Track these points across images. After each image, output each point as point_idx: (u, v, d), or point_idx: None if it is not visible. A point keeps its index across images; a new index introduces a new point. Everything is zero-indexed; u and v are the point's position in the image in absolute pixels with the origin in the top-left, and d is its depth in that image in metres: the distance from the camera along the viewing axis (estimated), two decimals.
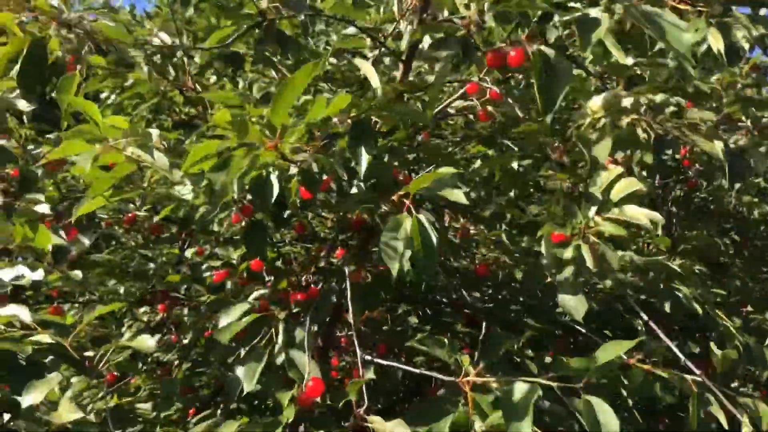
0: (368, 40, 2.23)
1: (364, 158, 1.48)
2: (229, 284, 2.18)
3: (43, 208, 1.62)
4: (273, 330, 1.75)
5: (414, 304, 2.34)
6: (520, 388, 1.25)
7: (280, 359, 1.70)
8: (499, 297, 2.13)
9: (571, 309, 1.44)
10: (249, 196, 1.76)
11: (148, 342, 1.49)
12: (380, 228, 2.09)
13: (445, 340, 1.49)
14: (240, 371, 1.65)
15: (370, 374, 1.42)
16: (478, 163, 2.02)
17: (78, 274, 1.80)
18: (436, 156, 1.89)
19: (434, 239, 1.31)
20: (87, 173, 1.76)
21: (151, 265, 2.37)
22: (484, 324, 1.84)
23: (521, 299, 2.11)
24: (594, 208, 1.45)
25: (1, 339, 1.44)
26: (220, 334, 1.74)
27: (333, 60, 2.76)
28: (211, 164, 1.58)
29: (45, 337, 1.45)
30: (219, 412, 2.02)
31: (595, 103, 1.49)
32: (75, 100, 1.58)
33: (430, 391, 2.19)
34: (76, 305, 2.16)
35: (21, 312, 1.57)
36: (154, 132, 1.61)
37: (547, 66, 1.24)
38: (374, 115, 1.56)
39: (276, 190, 1.66)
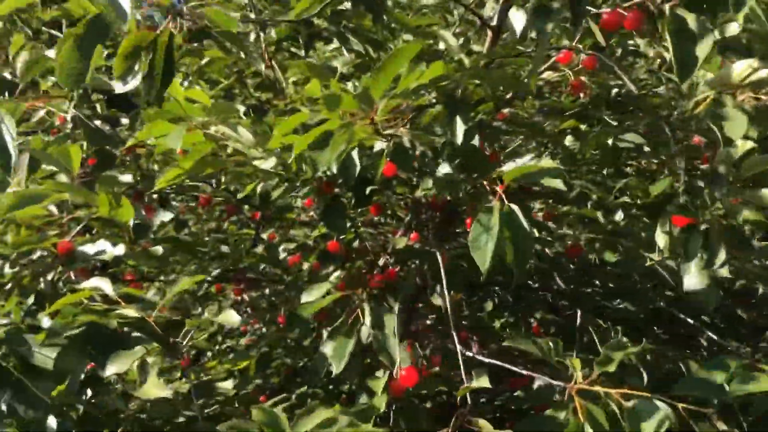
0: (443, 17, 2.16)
1: (460, 129, 1.39)
2: (305, 266, 2.14)
3: (127, 178, 1.59)
4: (359, 310, 1.67)
5: (492, 288, 2.25)
6: (649, 408, 1.14)
7: (365, 341, 1.63)
8: (585, 281, 2.01)
9: (701, 299, 1.31)
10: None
11: (233, 317, 1.44)
12: (462, 209, 2.03)
13: (550, 342, 1.38)
14: (328, 349, 1.59)
15: (484, 382, 1.32)
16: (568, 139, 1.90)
17: (158, 249, 1.77)
18: (527, 129, 1.78)
19: (528, 231, 1.22)
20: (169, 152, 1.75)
21: (224, 247, 2.34)
22: (579, 313, 1.73)
23: (610, 285, 1.99)
24: (723, 189, 1.31)
25: (87, 311, 1.41)
26: (302, 309, 1.70)
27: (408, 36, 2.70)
28: (294, 138, 1.53)
29: (130, 311, 1.42)
30: (294, 397, 1.97)
31: (736, 71, 1.33)
32: None
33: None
34: (155, 284, 2.14)
35: (104, 285, 1.55)
36: (240, 107, 1.57)
37: (682, 28, 1.13)
38: (468, 83, 1.47)
39: (358, 167, 1.60)
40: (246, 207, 2.41)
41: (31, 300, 1.74)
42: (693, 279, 1.31)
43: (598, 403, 1.25)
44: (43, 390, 1.38)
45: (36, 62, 1.54)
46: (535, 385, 1.51)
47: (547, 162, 1.21)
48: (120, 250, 1.71)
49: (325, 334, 1.74)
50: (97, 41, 1.14)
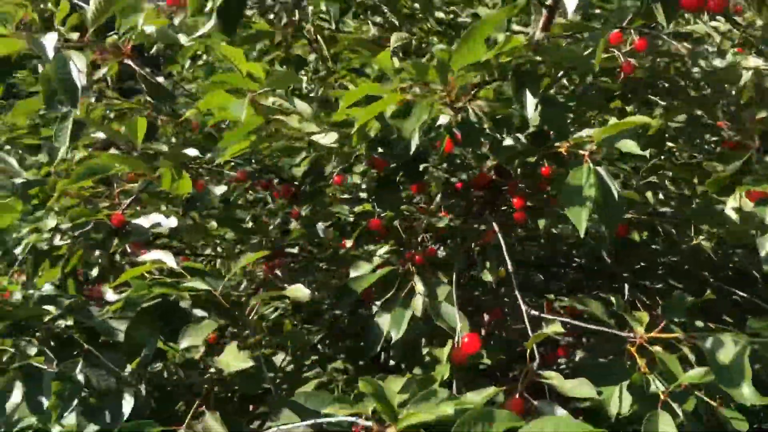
0: None
1: (531, 102, 1.40)
2: (349, 243, 2.14)
3: (193, 152, 1.59)
4: (411, 283, 1.68)
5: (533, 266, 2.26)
6: (727, 345, 1.16)
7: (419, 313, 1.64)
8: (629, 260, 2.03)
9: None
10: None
11: (303, 291, 1.45)
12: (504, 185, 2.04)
13: (612, 298, 1.40)
14: (384, 319, 1.60)
15: (558, 327, 1.33)
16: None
17: (214, 224, 1.77)
18: (590, 106, 1.79)
19: (616, 193, 1.23)
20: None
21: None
22: (626, 288, 1.75)
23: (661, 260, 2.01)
24: None
25: (160, 284, 1.41)
26: (354, 283, 1.70)
27: (440, 14, 2.68)
28: (357, 111, 1.53)
29: (200, 285, 1.42)
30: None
31: None
32: (224, 48, 1.53)
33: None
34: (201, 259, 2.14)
35: (167, 258, 1.54)
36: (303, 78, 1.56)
37: None
38: (532, 59, 1.47)
39: (416, 141, 1.60)
40: (276, 181, 2.40)
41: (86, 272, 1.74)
42: None
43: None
44: (113, 362, 1.39)
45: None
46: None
47: (635, 118, 1.21)
48: (173, 223, 1.71)
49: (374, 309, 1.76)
50: None
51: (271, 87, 1.61)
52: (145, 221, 1.70)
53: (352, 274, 1.76)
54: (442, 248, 2.14)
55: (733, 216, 1.36)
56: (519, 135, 1.53)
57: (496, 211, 2.13)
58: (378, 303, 1.73)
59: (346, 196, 2.32)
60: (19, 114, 2.05)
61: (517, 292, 1.49)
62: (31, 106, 2.08)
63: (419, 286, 1.67)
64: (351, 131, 1.60)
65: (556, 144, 1.40)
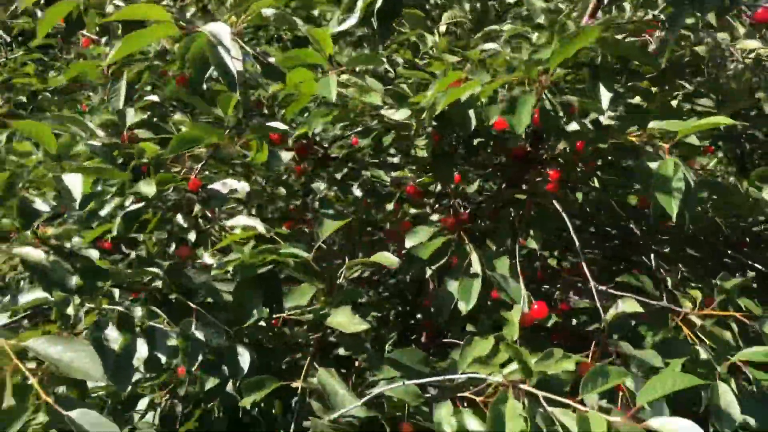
0: None
1: (605, 96, 1.55)
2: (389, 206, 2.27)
3: (280, 126, 1.68)
4: (470, 252, 1.83)
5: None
6: None
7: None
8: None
9: None
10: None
11: (391, 258, 1.58)
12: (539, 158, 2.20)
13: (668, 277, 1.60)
14: (452, 287, 1.74)
15: (634, 306, 1.50)
16: None
17: (282, 191, 1.88)
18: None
19: (693, 184, 1.40)
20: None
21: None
22: (652, 257, 1.94)
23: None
24: None
25: (263, 251, 1.53)
26: (416, 250, 1.82)
27: None
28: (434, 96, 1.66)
29: (297, 250, 1.54)
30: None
31: None
32: (310, 30, 1.61)
33: None
34: None
35: (255, 223, 1.66)
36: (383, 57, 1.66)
37: None
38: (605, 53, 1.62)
39: (474, 120, 1.75)
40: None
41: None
42: None
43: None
44: (222, 321, 1.51)
45: None
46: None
47: (719, 119, 1.37)
48: (246, 187, 1.80)
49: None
50: None
51: (352, 66, 1.71)
52: (220, 186, 1.79)
53: (409, 242, 1.88)
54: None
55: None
56: (585, 120, 1.68)
57: (528, 182, 2.30)
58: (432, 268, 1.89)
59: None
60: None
61: (585, 267, 1.66)
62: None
63: (474, 256, 1.82)
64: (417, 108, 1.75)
65: (629, 132, 1.56)
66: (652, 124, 1.49)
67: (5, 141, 2.45)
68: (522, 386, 1.14)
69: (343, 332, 1.44)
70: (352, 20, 1.35)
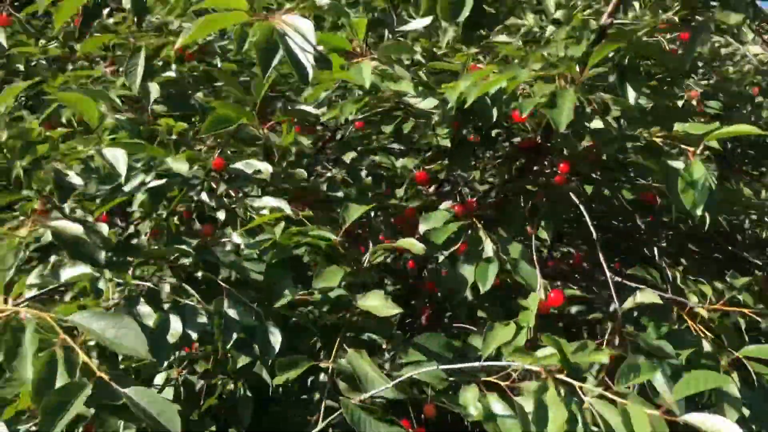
0: None
1: (632, 94, 1.60)
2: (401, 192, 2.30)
3: (313, 110, 1.70)
4: (484, 238, 1.87)
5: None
6: None
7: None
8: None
9: None
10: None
11: (417, 244, 1.62)
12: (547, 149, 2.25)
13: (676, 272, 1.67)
14: (466, 270, 1.78)
15: (652, 297, 1.57)
16: None
17: (303, 172, 1.90)
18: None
19: (715, 187, 1.46)
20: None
21: None
22: (656, 251, 2.01)
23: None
24: None
25: (295, 233, 1.56)
26: (431, 235, 1.85)
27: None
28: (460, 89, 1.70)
29: (325, 233, 1.57)
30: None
31: None
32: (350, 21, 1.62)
33: None
34: None
35: (283, 204, 1.68)
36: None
37: None
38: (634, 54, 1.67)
39: (496, 112, 1.79)
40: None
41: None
42: None
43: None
44: (251, 300, 1.53)
45: None
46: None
47: (747, 127, 1.43)
48: (268, 168, 1.82)
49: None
50: None
51: (384, 55, 1.73)
52: (244, 166, 1.81)
53: (423, 227, 1.91)
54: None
55: None
56: (609, 119, 1.73)
57: (536, 173, 2.36)
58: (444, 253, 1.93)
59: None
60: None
61: (602, 259, 1.72)
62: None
63: (488, 241, 1.87)
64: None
65: (653, 131, 1.61)
66: (678, 127, 1.54)
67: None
68: (559, 376, 1.19)
69: (370, 315, 1.48)
70: (426, 21, 1.37)
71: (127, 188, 1.71)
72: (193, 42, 2.41)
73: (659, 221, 2.31)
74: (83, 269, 1.35)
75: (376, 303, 1.46)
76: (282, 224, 1.58)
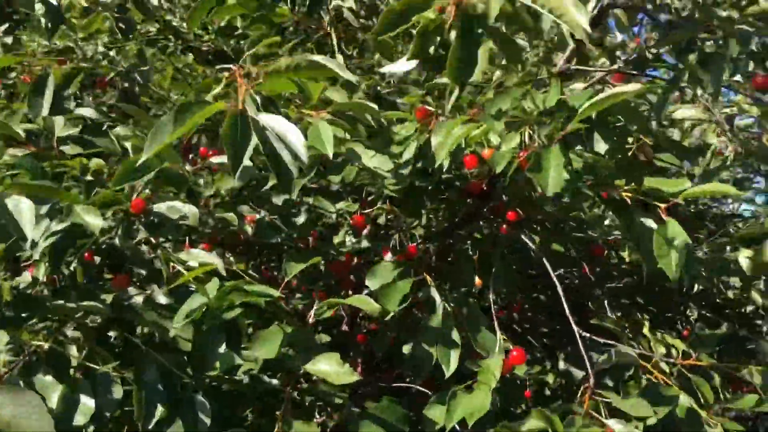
0: None
1: (602, 147, 1.52)
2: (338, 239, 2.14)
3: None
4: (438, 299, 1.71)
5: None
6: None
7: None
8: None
9: None
10: None
11: (371, 302, 1.45)
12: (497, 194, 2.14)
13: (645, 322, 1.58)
14: (426, 352, 1.61)
15: (629, 355, 1.45)
16: None
17: (233, 216, 1.71)
18: None
19: (690, 244, 1.37)
20: None
21: None
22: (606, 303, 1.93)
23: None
24: None
25: (231, 291, 1.35)
26: (383, 296, 1.66)
27: None
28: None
29: (268, 290, 1.38)
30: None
31: None
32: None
33: None
34: None
35: (215, 260, 1.47)
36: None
37: None
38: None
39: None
40: None
41: None
42: None
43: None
44: (174, 365, 1.31)
45: None
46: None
47: (725, 186, 1.35)
48: (194, 211, 1.61)
49: None
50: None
51: (340, 109, 1.58)
52: (166, 209, 1.59)
53: (369, 282, 1.74)
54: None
55: (744, 264, 1.57)
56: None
57: (482, 219, 2.24)
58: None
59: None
60: None
61: (568, 314, 1.60)
62: None
63: (437, 298, 1.72)
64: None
65: (619, 187, 1.52)
66: (647, 182, 1.46)
67: None
68: None
69: (318, 381, 1.30)
70: (410, 65, 1.23)
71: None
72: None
73: (606, 273, 2.24)
74: None
75: (330, 368, 1.27)
76: (215, 281, 1.37)
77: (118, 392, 1.25)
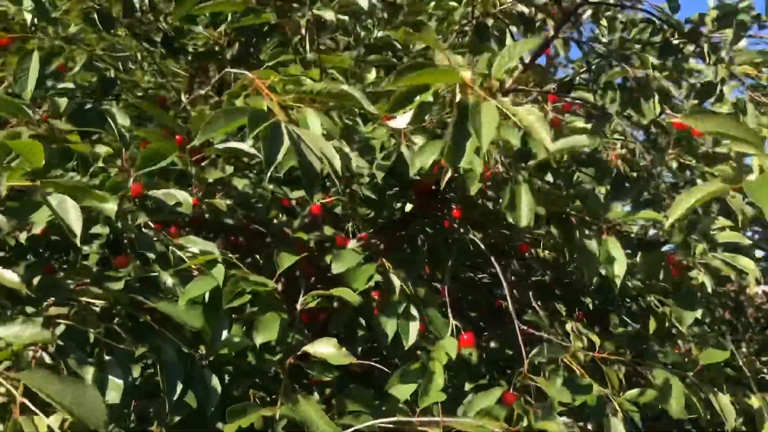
0: None
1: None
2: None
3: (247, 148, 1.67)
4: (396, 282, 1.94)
5: None
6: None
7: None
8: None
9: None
10: None
11: (353, 294, 1.66)
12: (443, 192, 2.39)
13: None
14: (388, 324, 1.83)
15: (557, 350, 1.75)
16: None
17: (223, 203, 1.86)
18: None
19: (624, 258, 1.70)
20: None
21: None
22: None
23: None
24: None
25: (238, 279, 1.52)
26: (348, 278, 1.85)
27: None
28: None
29: (265, 280, 1.56)
30: None
31: None
32: None
33: None
34: None
35: (212, 248, 1.63)
36: None
37: None
38: None
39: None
40: None
41: None
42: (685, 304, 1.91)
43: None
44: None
45: None
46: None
47: (653, 213, 1.68)
48: (188, 199, 1.73)
49: None
50: None
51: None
52: (164, 196, 1.71)
53: (335, 265, 1.93)
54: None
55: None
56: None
57: (426, 215, 2.48)
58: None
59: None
60: None
61: (511, 308, 1.88)
62: None
63: (395, 281, 1.95)
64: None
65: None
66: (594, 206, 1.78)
67: None
68: None
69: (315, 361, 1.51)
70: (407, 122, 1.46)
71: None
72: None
73: (528, 267, 2.57)
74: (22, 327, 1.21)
75: (330, 351, 1.48)
76: (220, 267, 1.54)
77: (136, 370, 1.40)
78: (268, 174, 1.23)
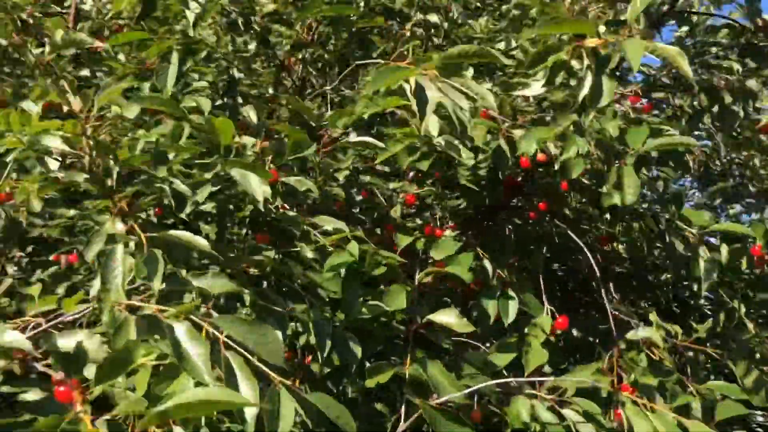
0: None
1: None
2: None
3: (375, 141, 1.88)
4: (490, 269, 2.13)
5: None
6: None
7: None
8: None
9: None
10: None
11: (465, 275, 1.85)
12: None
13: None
14: (489, 305, 2.02)
15: (651, 332, 1.93)
16: None
17: (341, 192, 2.06)
18: None
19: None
20: None
21: None
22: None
23: None
24: None
25: (374, 254, 1.72)
26: (455, 268, 1.99)
27: None
28: None
29: (394, 255, 1.76)
30: None
31: None
32: None
33: None
34: None
35: (342, 226, 1.83)
36: None
37: None
38: None
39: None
40: None
41: None
42: None
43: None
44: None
45: None
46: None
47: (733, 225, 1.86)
48: (311, 184, 1.94)
49: None
50: None
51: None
52: (297, 183, 1.91)
53: (435, 252, 2.06)
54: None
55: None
56: None
57: (512, 208, 2.66)
58: None
59: None
60: None
61: (603, 294, 2.05)
62: None
63: (490, 267, 2.13)
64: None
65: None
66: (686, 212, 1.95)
67: None
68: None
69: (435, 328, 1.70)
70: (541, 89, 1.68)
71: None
72: None
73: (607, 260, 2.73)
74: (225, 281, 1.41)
75: (452, 320, 1.68)
76: (354, 244, 1.73)
77: (288, 328, 1.60)
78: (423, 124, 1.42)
